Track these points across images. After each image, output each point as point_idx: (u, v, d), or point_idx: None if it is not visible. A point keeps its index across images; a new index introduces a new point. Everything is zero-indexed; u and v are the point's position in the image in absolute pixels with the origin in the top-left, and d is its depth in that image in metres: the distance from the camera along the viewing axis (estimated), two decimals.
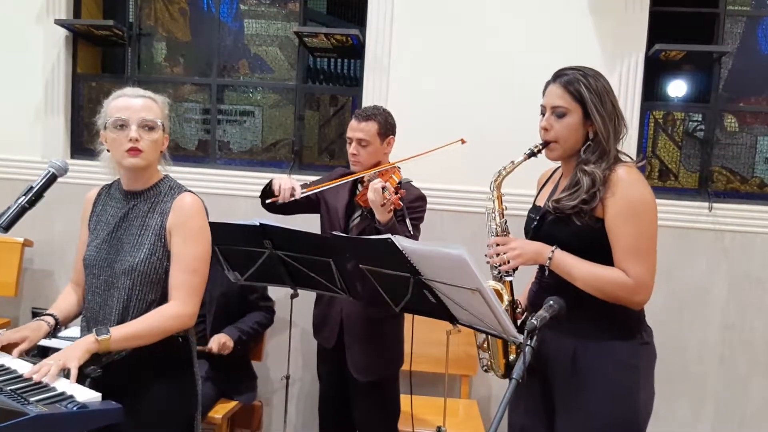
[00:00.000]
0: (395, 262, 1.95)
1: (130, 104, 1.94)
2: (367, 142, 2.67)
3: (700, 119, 3.53)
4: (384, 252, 1.94)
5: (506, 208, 2.06)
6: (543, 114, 1.98)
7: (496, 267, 1.99)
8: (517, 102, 3.34)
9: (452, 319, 2.07)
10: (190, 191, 2.02)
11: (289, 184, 2.54)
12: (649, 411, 1.92)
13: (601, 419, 1.85)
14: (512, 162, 2.02)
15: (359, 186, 2.71)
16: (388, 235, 1.89)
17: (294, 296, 2.62)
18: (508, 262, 1.94)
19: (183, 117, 3.83)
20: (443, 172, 3.32)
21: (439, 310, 2.04)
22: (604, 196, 1.83)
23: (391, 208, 2.39)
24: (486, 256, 2.00)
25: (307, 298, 2.82)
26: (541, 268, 1.97)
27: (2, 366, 1.78)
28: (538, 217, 2.00)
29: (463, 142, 2.76)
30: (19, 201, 1.87)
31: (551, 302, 1.76)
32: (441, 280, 1.89)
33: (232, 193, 3.58)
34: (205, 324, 3.07)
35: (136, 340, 1.85)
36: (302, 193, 2.56)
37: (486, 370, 2.13)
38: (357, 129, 2.68)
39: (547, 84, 1.99)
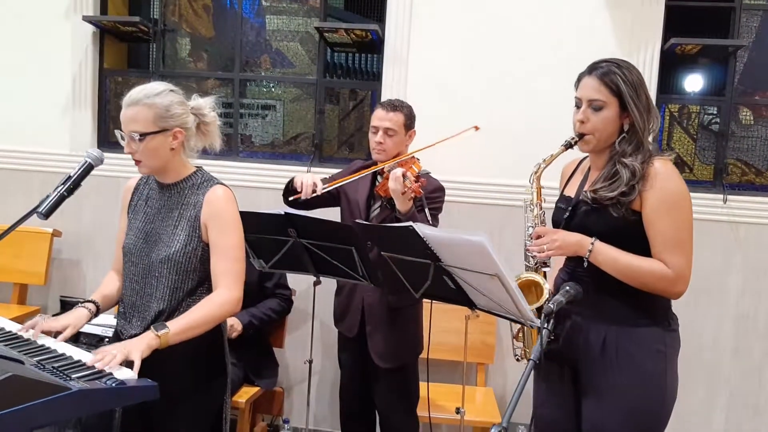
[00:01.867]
0: (416, 249, 2.02)
1: (123, 116, 1.97)
2: (393, 132, 2.73)
3: (715, 112, 3.55)
4: (405, 239, 2.01)
5: (545, 200, 2.08)
6: (578, 106, 1.98)
7: (534, 257, 2.02)
8: (535, 95, 3.39)
9: (471, 305, 2.14)
10: (221, 183, 2.07)
11: (310, 180, 2.62)
12: (674, 397, 1.97)
13: (629, 403, 1.90)
14: (551, 155, 2.04)
15: (378, 178, 2.77)
16: (410, 223, 1.96)
17: (317, 283, 2.69)
18: (549, 252, 1.96)
19: None
20: (461, 164, 3.38)
21: (458, 295, 2.11)
22: (642, 188, 1.85)
23: (412, 196, 2.43)
24: (525, 247, 2.04)
25: (327, 288, 2.89)
26: (573, 258, 1.99)
27: (43, 345, 1.87)
28: (570, 208, 2.01)
29: (476, 129, 2.81)
30: (58, 189, 1.96)
31: (567, 287, 1.82)
32: (461, 266, 1.96)
33: (254, 185, 3.65)
34: None
35: (192, 331, 1.89)
36: (323, 188, 2.63)
37: (518, 359, 2.16)
38: (385, 118, 2.74)
39: (581, 76, 1.99)
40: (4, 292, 3.80)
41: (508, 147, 3.37)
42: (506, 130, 3.37)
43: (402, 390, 2.85)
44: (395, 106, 2.77)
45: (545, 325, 1.69)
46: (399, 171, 2.43)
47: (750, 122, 3.52)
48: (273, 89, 3.89)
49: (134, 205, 2.13)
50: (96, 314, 2.09)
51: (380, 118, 2.75)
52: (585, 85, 1.95)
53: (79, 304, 2.08)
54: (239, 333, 3.05)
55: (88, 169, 2.02)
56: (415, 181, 2.43)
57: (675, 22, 3.36)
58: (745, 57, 3.49)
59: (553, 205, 2.14)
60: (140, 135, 1.93)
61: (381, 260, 2.28)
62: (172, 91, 2.02)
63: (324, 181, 2.71)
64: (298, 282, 3.35)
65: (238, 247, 2.01)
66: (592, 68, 1.96)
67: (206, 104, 2.10)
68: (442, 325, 3.12)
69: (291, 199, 2.68)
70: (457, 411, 2.46)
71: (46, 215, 1.93)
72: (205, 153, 3.81)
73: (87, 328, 2.83)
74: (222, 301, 1.95)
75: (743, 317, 3.41)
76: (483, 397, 3.33)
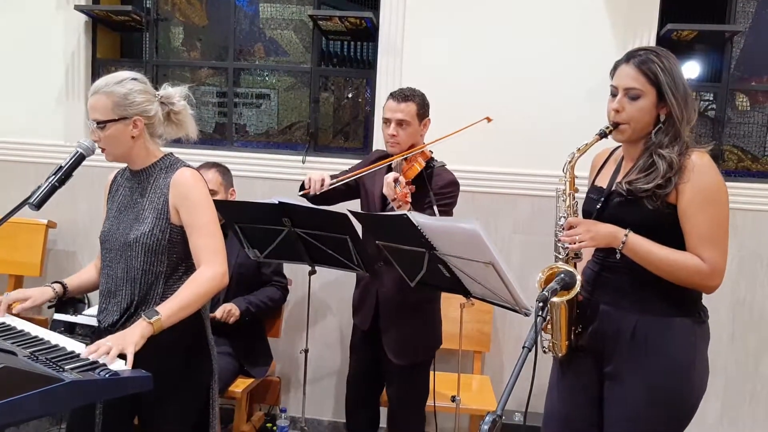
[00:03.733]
0: (411, 238, 2.02)
1: (88, 104, 2.02)
2: (407, 123, 2.65)
3: (711, 98, 3.53)
4: (400, 228, 2.01)
5: (578, 190, 2.00)
6: (613, 95, 1.92)
7: (565, 248, 1.95)
8: (528, 83, 3.38)
9: (466, 293, 2.14)
10: (188, 166, 2.08)
11: (319, 176, 2.59)
12: (703, 389, 1.94)
13: (655, 392, 1.88)
14: (585, 143, 1.96)
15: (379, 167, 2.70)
16: (404, 212, 1.96)
17: (312, 273, 2.68)
18: (582, 242, 1.90)
19: (200, 100, 3.90)
20: (459, 153, 3.36)
21: (453, 284, 2.10)
22: (678, 181, 1.82)
23: (400, 204, 2.36)
24: (556, 238, 1.98)
25: (330, 277, 2.88)
26: (604, 249, 1.95)
27: (37, 337, 1.87)
28: (602, 198, 1.97)
29: (489, 120, 2.75)
30: (50, 180, 1.95)
31: (562, 275, 1.82)
32: (455, 254, 1.96)
33: (249, 174, 3.64)
34: (219, 293, 3.14)
35: (184, 311, 1.90)
36: (331, 183, 2.60)
37: (545, 352, 2.09)
38: (397, 110, 2.65)
39: (618, 64, 1.93)
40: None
41: (502, 136, 3.35)
42: (503, 119, 3.34)
43: (414, 386, 2.81)
44: (406, 95, 2.68)
45: (540, 313, 1.69)
46: (391, 177, 2.38)
47: (746, 108, 3.51)
48: (267, 78, 3.87)
49: (112, 196, 2.15)
50: (63, 295, 2.12)
51: (392, 109, 2.67)
52: (622, 74, 1.90)
53: (46, 284, 2.12)
54: (236, 318, 3.04)
55: (79, 160, 2.02)
56: (406, 186, 2.37)
57: (671, 7, 3.34)
58: (742, 43, 3.47)
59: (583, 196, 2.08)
60: (98, 123, 1.97)
61: (377, 249, 2.27)
62: (134, 79, 2.02)
63: (335, 176, 2.69)
64: (295, 271, 3.35)
65: (213, 222, 2.02)
66: (630, 56, 1.90)
67: (176, 93, 2.11)
68: None
69: (301, 194, 2.64)
70: (453, 399, 2.46)
71: (38, 206, 1.92)
72: (200, 142, 3.83)
73: (82, 320, 2.84)
74: (206, 277, 1.96)
75: (739, 304, 3.41)
76: (479, 384, 3.34)
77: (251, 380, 3.20)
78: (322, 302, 3.50)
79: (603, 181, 2.02)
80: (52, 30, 3.75)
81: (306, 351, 2.88)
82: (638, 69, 1.85)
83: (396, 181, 2.36)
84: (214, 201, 2.08)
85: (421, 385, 2.81)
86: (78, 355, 1.72)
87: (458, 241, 1.90)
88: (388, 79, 3.48)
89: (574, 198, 1.98)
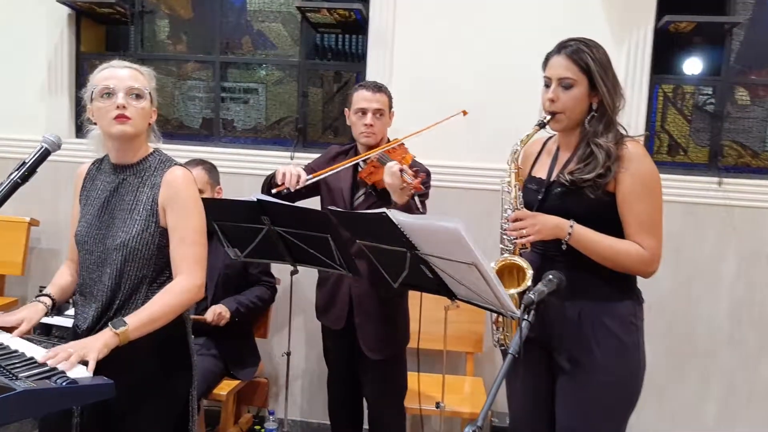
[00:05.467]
0: (391, 237, 1.93)
1: (117, 74, 1.91)
2: (382, 113, 2.67)
3: (710, 92, 3.45)
4: (380, 227, 1.92)
5: (523, 182, 2.05)
6: (547, 86, 1.98)
7: (512, 241, 1.98)
8: (523, 76, 3.27)
9: (451, 295, 2.05)
10: (179, 164, 1.99)
11: (295, 171, 2.51)
12: (644, 367, 2.00)
13: (607, 374, 1.92)
14: (527, 134, 2.00)
15: (361, 164, 2.65)
16: (383, 210, 1.87)
17: (294, 273, 2.60)
18: (529, 236, 1.94)
19: (187, 95, 3.81)
20: (447, 147, 3.29)
21: (436, 285, 2.01)
22: (617, 170, 1.87)
23: (412, 192, 2.34)
24: (502, 230, 2.00)
25: (310, 275, 2.81)
26: (549, 242, 1.96)
27: None
28: (543, 189, 2.00)
29: (464, 113, 2.73)
30: (12, 177, 1.87)
31: (550, 276, 1.74)
32: (437, 254, 1.87)
33: (237, 171, 3.56)
34: (207, 293, 3.06)
35: (153, 324, 1.81)
36: (308, 179, 2.53)
37: (496, 346, 2.13)
38: (373, 99, 2.65)
39: (550, 55, 1.99)
40: None
41: (493, 130, 3.26)
42: (492, 112, 3.26)
43: (391, 381, 2.80)
44: (379, 86, 2.71)
45: (525, 317, 1.61)
46: (396, 166, 2.31)
47: (746, 102, 3.42)
48: (255, 72, 3.77)
49: (86, 192, 2.03)
50: (53, 308, 2.01)
51: (367, 99, 2.65)
52: (554, 64, 1.96)
53: (35, 298, 2.00)
54: (227, 320, 2.97)
55: (44, 155, 1.93)
56: (415, 176, 2.32)
57: None
58: (742, 35, 3.37)
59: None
60: (138, 93, 1.91)
61: (359, 248, 2.19)
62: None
63: (306, 170, 2.61)
64: (282, 271, 3.26)
65: (199, 230, 1.93)
66: (561, 47, 1.97)
67: None
68: (428, 315, 3.01)
69: (275, 191, 2.54)
70: (437, 405, 2.37)
71: None
72: (187, 138, 3.75)
73: (58, 321, 2.74)
74: (182, 288, 1.87)
75: (738, 304, 3.33)
76: (471, 387, 3.26)
77: (237, 382, 3.13)
78: (307, 304, 3.41)
79: (541, 172, 2.06)
80: (34, 22, 3.66)
81: (288, 354, 2.79)
82: (570, 58, 1.93)
83: (402, 170, 2.30)
84: None
85: (398, 382, 2.83)
86: (36, 362, 1.63)
87: (440, 241, 1.81)
88: (378, 72, 3.40)
89: (519, 189, 2.01)
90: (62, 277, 2.12)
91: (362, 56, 3.59)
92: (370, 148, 2.65)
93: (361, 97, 2.67)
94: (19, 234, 3.60)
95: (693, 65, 3.51)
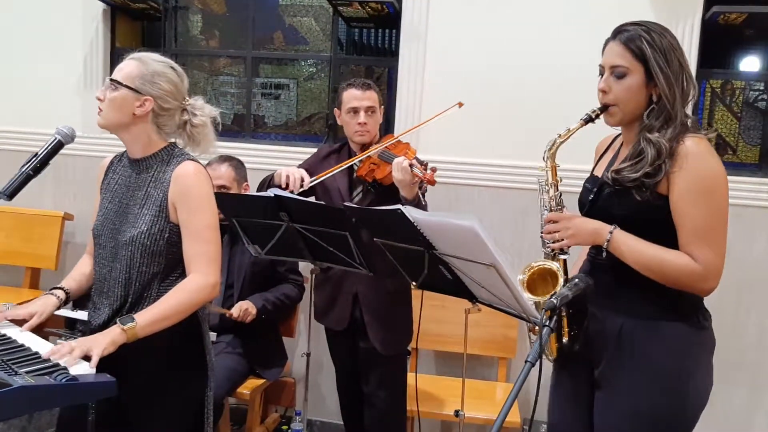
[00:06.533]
0: (408, 235, 1.85)
1: (119, 66, 1.93)
2: (374, 110, 2.66)
3: (762, 88, 3.28)
4: (395, 224, 1.84)
5: (561, 180, 1.88)
6: (601, 74, 1.81)
7: (548, 245, 1.84)
8: (563, 69, 3.15)
9: (471, 297, 1.95)
10: (192, 159, 1.93)
11: (298, 173, 2.51)
12: (701, 403, 1.78)
13: (640, 406, 1.72)
14: (568, 129, 1.83)
15: (356, 162, 2.65)
16: (398, 206, 1.78)
17: (314, 272, 2.54)
18: (562, 241, 1.79)
19: (219, 90, 3.79)
20: (481, 144, 3.20)
21: (456, 287, 1.92)
22: (670, 169, 1.66)
23: (426, 187, 2.32)
24: (542, 232, 1.86)
25: None
26: (597, 247, 1.80)
27: (4, 336, 1.76)
28: (595, 189, 1.83)
29: (460, 105, 2.69)
30: (24, 169, 1.86)
31: (576, 280, 1.64)
32: (455, 254, 1.77)
33: (268, 167, 3.49)
34: (233, 290, 3.03)
35: (163, 322, 1.77)
36: (311, 181, 2.54)
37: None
38: (363, 97, 2.64)
39: (607, 41, 1.81)
40: (16, 276, 3.74)
41: (532, 125, 3.13)
42: (530, 108, 3.14)
43: (394, 379, 2.78)
44: (367, 84, 2.69)
45: (547, 323, 1.51)
46: (405, 161, 2.28)
47: None
48: (286, 67, 3.73)
49: (106, 184, 2.01)
50: (66, 301, 1.98)
51: (358, 98, 2.64)
52: (608, 51, 1.78)
53: (47, 292, 1.97)
54: (254, 317, 2.92)
55: (57, 147, 1.92)
56: (426, 169, 2.27)
57: None
58: None
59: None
60: (113, 80, 1.87)
61: (378, 247, 2.11)
62: (173, 68, 1.93)
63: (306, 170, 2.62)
64: (305, 269, 3.21)
65: (212, 227, 1.87)
66: (617, 32, 1.77)
67: (203, 107, 1.99)
68: (451, 316, 3.01)
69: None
70: (456, 414, 2.27)
71: (10, 196, 1.82)
72: (219, 134, 3.72)
73: (84, 315, 2.74)
74: (195, 287, 1.82)
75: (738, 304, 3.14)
76: (504, 393, 3.14)
77: (262, 381, 3.08)
78: None
79: (600, 170, 1.88)
80: (70, 18, 3.68)
81: (308, 355, 2.72)
82: (624, 45, 1.73)
83: (411, 165, 2.26)
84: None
85: (401, 379, 2.80)
86: (40, 357, 1.60)
87: (457, 240, 1.72)
88: (410, 66, 3.31)
89: (557, 189, 1.85)
90: (78, 270, 2.10)
91: (395, 51, 3.51)
92: (364, 146, 2.66)
93: (352, 96, 2.65)
94: (53, 228, 3.62)
95: (744, 59, 3.35)
